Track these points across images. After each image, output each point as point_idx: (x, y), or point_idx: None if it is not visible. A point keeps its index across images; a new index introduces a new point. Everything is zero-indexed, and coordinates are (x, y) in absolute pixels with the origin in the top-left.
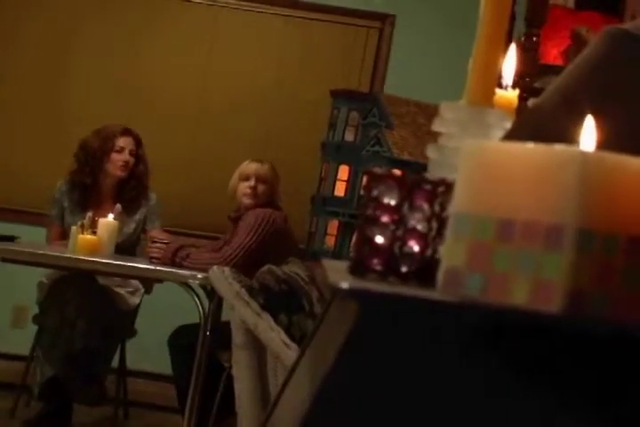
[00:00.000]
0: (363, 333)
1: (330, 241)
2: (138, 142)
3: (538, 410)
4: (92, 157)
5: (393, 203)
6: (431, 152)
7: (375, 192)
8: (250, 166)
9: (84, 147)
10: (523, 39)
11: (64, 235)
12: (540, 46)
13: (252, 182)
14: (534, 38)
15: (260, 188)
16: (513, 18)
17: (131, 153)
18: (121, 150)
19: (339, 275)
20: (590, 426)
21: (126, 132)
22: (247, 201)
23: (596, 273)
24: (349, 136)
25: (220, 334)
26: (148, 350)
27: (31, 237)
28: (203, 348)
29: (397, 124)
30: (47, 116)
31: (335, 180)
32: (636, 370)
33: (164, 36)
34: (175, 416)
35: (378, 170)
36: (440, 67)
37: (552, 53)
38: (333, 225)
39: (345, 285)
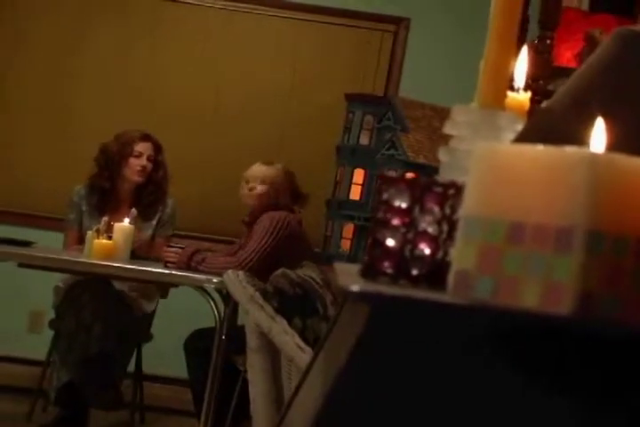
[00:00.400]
0: (374, 335)
1: (345, 245)
2: (157, 148)
3: (548, 413)
4: (110, 161)
5: (404, 206)
6: (443, 155)
7: (386, 195)
8: (251, 168)
9: (103, 151)
10: (536, 42)
11: (82, 239)
12: (554, 49)
13: (250, 184)
14: (548, 41)
15: (260, 188)
16: (526, 21)
17: (149, 159)
18: (139, 155)
19: (350, 278)
20: None
21: (145, 137)
22: (249, 202)
23: (605, 275)
24: (364, 140)
25: (236, 338)
26: (164, 355)
27: (47, 242)
28: (218, 352)
29: (413, 127)
30: (59, 121)
31: (350, 183)
32: None
33: (178, 40)
34: (191, 420)
35: (389, 173)
36: (455, 70)
37: (566, 56)
38: (349, 229)
39: (355, 288)
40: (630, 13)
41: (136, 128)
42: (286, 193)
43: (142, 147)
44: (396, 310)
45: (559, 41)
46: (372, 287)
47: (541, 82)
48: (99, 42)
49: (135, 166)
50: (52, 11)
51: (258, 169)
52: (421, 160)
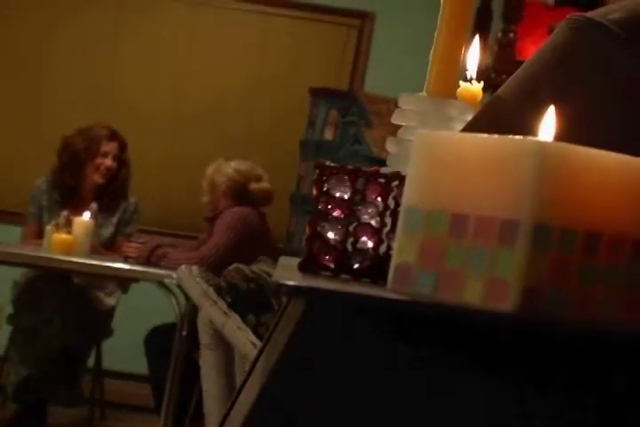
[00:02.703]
0: (308, 331)
1: None
2: (122, 147)
3: (486, 409)
4: (75, 158)
5: (345, 197)
6: (390, 145)
7: (326, 186)
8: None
9: (67, 146)
10: (499, 36)
11: (41, 234)
12: (518, 43)
13: (206, 183)
14: (511, 35)
15: (204, 185)
16: (490, 14)
17: (114, 158)
18: (105, 155)
19: (289, 272)
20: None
21: (113, 136)
22: (205, 199)
23: (552, 270)
24: (329, 135)
25: (197, 333)
26: (124, 350)
27: (3, 237)
28: (179, 348)
29: (378, 123)
30: (23, 115)
31: None
32: (594, 369)
33: (143, 35)
34: (152, 416)
35: (328, 163)
36: (421, 65)
37: (530, 50)
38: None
39: (290, 282)
40: (594, 7)
41: (101, 123)
42: (221, 192)
43: (109, 146)
44: (331, 305)
45: (523, 35)
46: (308, 282)
47: (504, 76)
48: (70, 37)
49: (100, 167)
50: (22, 5)
51: (215, 167)
52: (386, 156)
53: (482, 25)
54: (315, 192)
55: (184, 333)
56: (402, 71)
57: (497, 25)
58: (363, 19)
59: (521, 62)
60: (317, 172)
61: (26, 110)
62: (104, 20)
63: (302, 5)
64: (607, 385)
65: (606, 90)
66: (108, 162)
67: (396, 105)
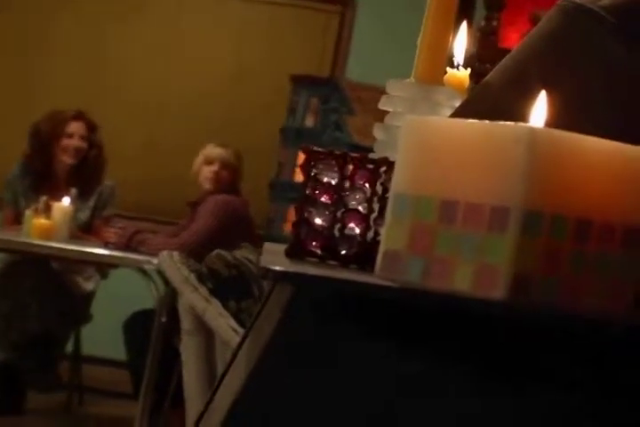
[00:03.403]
0: (295, 317)
1: (288, 227)
2: (91, 127)
3: (476, 398)
4: (42, 142)
5: (333, 182)
6: (377, 132)
7: (314, 171)
8: (215, 151)
9: (34, 132)
10: (482, 23)
11: (18, 219)
12: (501, 30)
13: (216, 167)
14: (494, 22)
15: (223, 173)
16: (472, 3)
17: (82, 138)
18: (71, 136)
19: (275, 258)
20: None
21: (78, 116)
22: (208, 186)
23: (542, 258)
24: (309, 122)
25: (177, 320)
26: (103, 336)
27: None
28: (158, 334)
29: (361, 110)
30: (6, 100)
31: (294, 166)
32: (584, 356)
33: (129, 22)
34: (130, 402)
35: (315, 148)
36: (403, 51)
37: (513, 38)
38: (292, 211)
39: (274, 267)
40: None
41: (68, 108)
42: (241, 178)
43: (74, 127)
44: (320, 291)
45: (505, 23)
46: (293, 267)
47: (488, 65)
48: (59, 25)
49: (68, 147)
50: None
51: (219, 152)
52: (369, 143)
53: (464, 13)
54: (302, 177)
55: (163, 319)
56: (383, 58)
57: (479, 13)
58: (344, 5)
59: (504, 50)
60: (305, 156)
61: (8, 96)
62: (91, 9)
63: None
64: (596, 373)
65: (597, 76)
66: (75, 142)
67: (377, 92)
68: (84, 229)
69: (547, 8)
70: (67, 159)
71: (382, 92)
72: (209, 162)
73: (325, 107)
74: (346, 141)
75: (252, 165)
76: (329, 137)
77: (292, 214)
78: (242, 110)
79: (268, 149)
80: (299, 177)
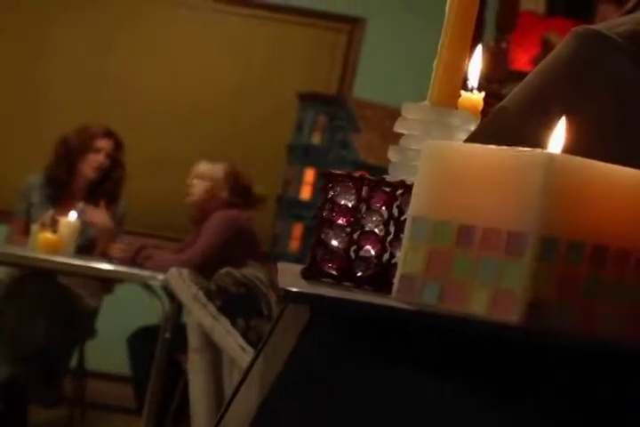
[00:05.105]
0: (312, 338)
1: (294, 245)
2: (118, 146)
3: (491, 423)
4: (69, 154)
5: (350, 204)
6: (392, 154)
7: (331, 193)
8: (194, 166)
9: (64, 142)
10: (492, 44)
11: (29, 230)
12: (511, 52)
13: (189, 181)
14: (503, 44)
15: (198, 185)
16: (482, 23)
17: (107, 156)
18: (98, 151)
19: (291, 279)
20: None
21: (107, 134)
22: (186, 198)
23: (558, 283)
24: (316, 139)
25: (181, 336)
26: (107, 351)
27: None
28: (162, 349)
29: (366, 128)
30: (16, 113)
31: (301, 183)
32: (599, 382)
33: (136, 37)
34: (133, 418)
35: (335, 170)
36: (412, 71)
37: (522, 59)
38: (298, 229)
39: (293, 288)
40: (586, 17)
41: (97, 123)
42: (224, 191)
43: (103, 143)
44: (333, 313)
45: (515, 44)
46: (312, 289)
47: (496, 85)
48: (66, 37)
49: (92, 162)
50: (21, 2)
51: (197, 167)
52: (373, 161)
53: (475, 34)
54: (320, 199)
55: (167, 335)
56: (391, 77)
57: (489, 34)
58: (353, 24)
59: (513, 71)
60: (324, 179)
61: (17, 109)
62: (98, 21)
63: (292, 9)
64: (612, 398)
65: (614, 104)
66: (101, 158)
67: (381, 110)
68: (91, 245)
69: (556, 31)
70: (89, 173)
71: (387, 110)
72: (199, 177)
73: (332, 124)
74: (352, 159)
75: (257, 180)
76: (335, 155)
77: (297, 231)
78: (247, 126)
79: (274, 166)
80: (305, 194)
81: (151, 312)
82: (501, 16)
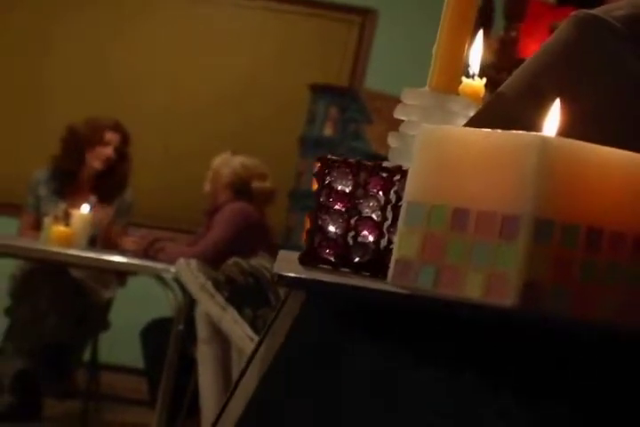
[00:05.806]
0: (307, 323)
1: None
2: (125, 139)
3: (487, 407)
4: (77, 145)
5: (347, 190)
6: (392, 140)
7: (328, 179)
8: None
9: (72, 133)
10: (502, 34)
11: (38, 225)
12: (520, 41)
13: (210, 173)
14: (513, 33)
15: (209, 178)
16: (491, 12)
17: (115, 148)
18: (106, 144)
19: (289, 265)
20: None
21: (116, 127)
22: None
23: (553, 266)
24: (328, 131)
25: (194, 328)
26: (120, 344)
27: (1, 229)
28: (175, 341)
29: (377, 119)
30: (23, 107)
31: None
32: (594, 366)
33: (143, 29)
34: (147, 410)
35: (331, 156)
36: (421, 62)
37: (532, 49)
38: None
39: (290, 274)
40: (596, 5)
41: (106, 116)
42: (223, 184)
43: (111, 136)
44: (330, 297)
45: (525, 34)
46: (308, 274)
47: (506, 74)
48: (74, 31)
49: (100, 155)
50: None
51: (214, 159)
52: (385, 152)
53: (484, 23)
54: (316, 185)
55: (180, 327)
56: (403, 68)
57: (498, 23)
58: (365, 15)
59: (522, 60)
60: (319, 165)
61: (25, 104)
62: (106, 15)
63: (303, 1)
64: (607, 382)
65: (611, 87)
66: (109, 151)
67: (393, 101)
68: (101, 236)
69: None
70: (96, 165)
71: (398, 101)
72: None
73: (344, 116)
74: (364, 151)
75: (269, 173)
76: (347, 146)
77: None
78: (260, 118)
79: (286, 158)
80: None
81: (164, 305)
82: (510, 5)
